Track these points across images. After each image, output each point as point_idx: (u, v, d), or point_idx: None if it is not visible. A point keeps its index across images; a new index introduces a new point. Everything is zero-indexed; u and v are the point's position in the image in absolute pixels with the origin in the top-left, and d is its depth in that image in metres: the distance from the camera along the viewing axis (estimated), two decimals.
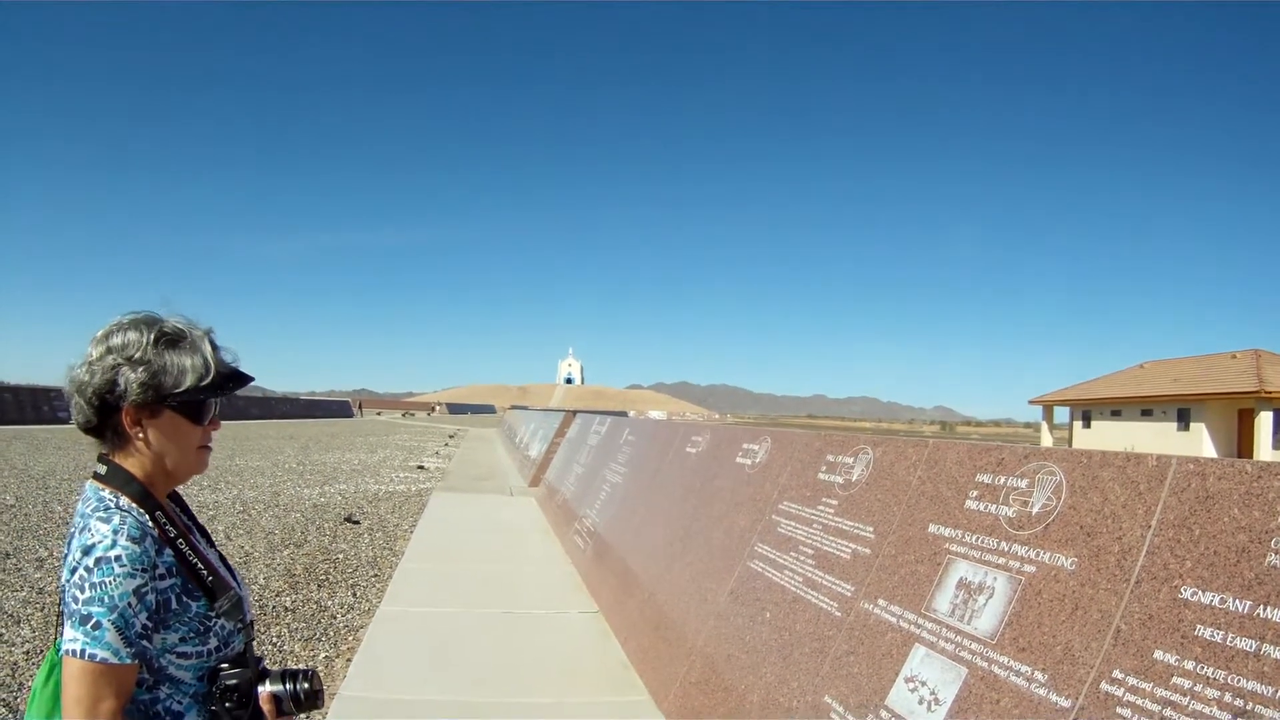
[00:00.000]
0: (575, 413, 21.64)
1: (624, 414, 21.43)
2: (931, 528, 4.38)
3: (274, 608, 9.46)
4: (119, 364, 2.47)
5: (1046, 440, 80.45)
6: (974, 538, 4.03)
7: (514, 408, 69.89)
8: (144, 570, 2.31)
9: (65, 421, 36.02)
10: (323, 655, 7.92)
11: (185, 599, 2.44)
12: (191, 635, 2.45)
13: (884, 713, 3.93)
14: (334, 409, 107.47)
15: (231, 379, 2.70)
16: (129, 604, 2.25)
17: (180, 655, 2.44)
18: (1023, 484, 3.92)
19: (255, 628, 3.06)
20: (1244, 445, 59.65)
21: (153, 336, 2.53)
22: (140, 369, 2.47)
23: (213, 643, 2.51)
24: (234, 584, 2.70)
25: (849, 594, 4.74)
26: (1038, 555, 3.59)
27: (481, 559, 12.16)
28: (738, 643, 5.59)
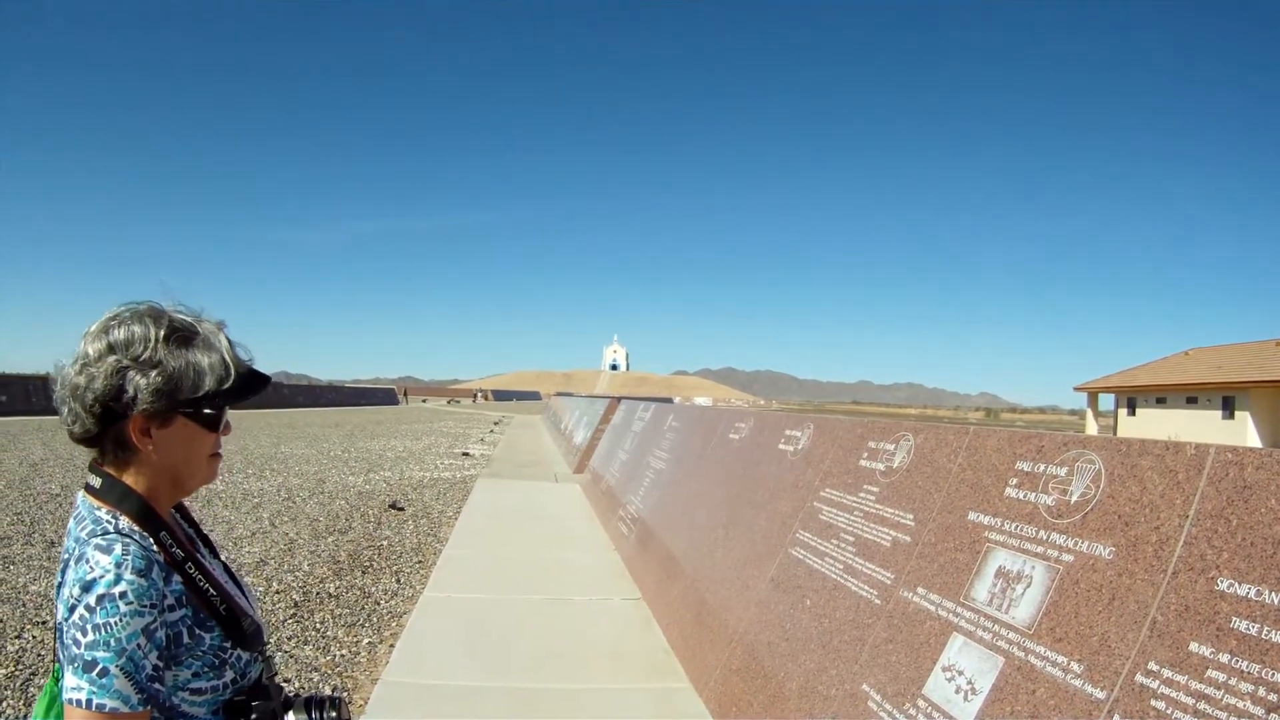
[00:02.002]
0: (620, 399, 21.62)
1: (669, 400, 21.35)
2: (971, 515, 4.36)
3: (318, 594, 9.55)
4: (125, 366, 2.16)
5: (1091, 427, 79.90)
6: (1013, 526, 4.01)
7: (559, 394, 69.96)
8: (152, 606, 2.05)
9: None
10: (366, 641, 7.99)
11: (198, 631, 2.20)
12: (205, 670, 2.21)
13: (921, 702, 3.93)
14: (379, 397, 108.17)
15: (252, 380, 2.42)
16: (138, 645, 1.99)
17: (193, 691, 2.20)
18: (1062, 472, 3.90)
19: (274, 658, 2.81)
20: None
21: (162, 333, 2.23)
22: (153, 372, 2.18)
23: (229, 675, 2.28)
24: (249, 608, 2.47)
25: (889, 582, 4.73)
26: (1076, 544, 3.57)
27: (525, 545, 12.19)
28: (778, 630, 5.60)
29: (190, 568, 2.23)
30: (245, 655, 2.34)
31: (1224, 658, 2.75)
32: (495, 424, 53.80)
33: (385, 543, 12.69)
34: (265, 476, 20.19)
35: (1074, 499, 3.74)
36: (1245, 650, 2.70)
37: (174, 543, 2.22)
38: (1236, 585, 2.84)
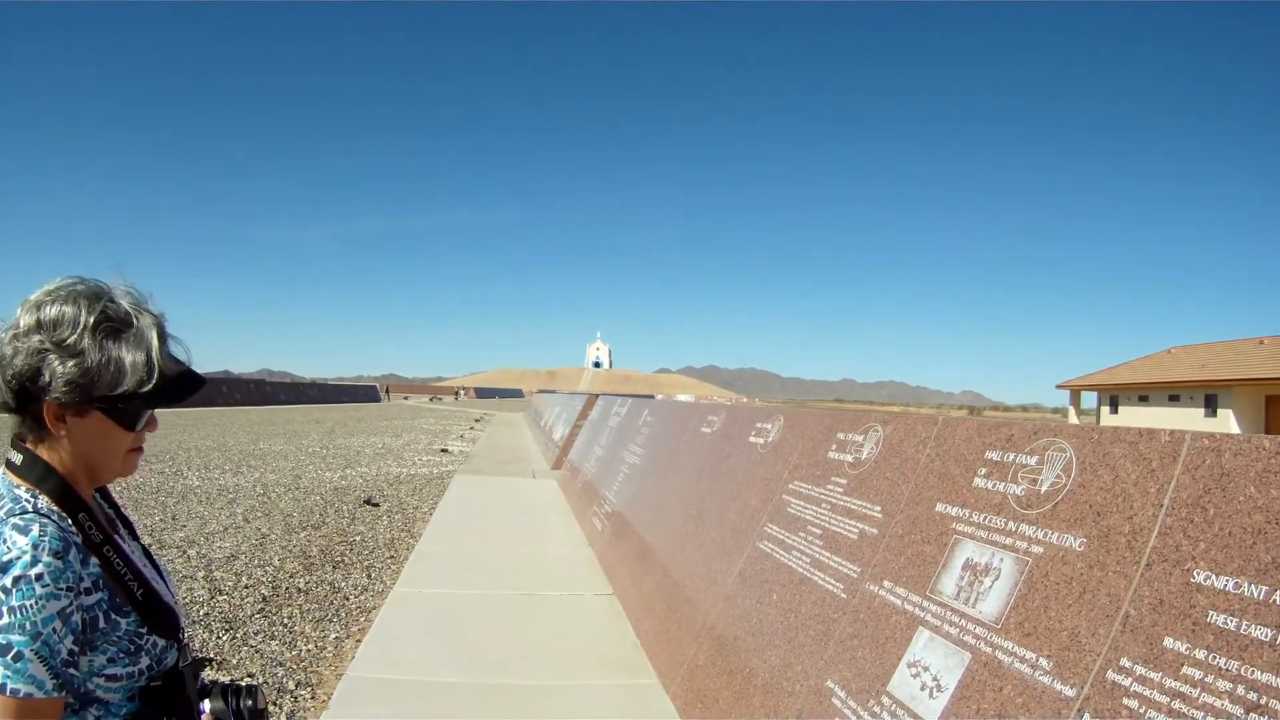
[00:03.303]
0: (598, 396, 21.57)
1: (651, 397, 21.49)
2: (939, 507, 4.22)
3: (287, 589, 9.42)
4: (46, 349, 2.09)
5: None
6: (981, 517, 3.88)
7: (541, 391, 70.06)
8: (68, 589, 1.99)
9: None
10: (333, 636, 7.87)
11: (114, 616, 2.13)
12: (121, 655, 2.14)
13: (885, 699, 3.80)
14: (361, 394, 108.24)
15: (178, 383, 2.27)
16: (53, 629, 1.93)
17: (109, 678, 2.12)
18: (1032, 461, 3.76)
19: (191, 641, 2.66)
20: (1272, 432, 59.33)
21: (92, 319, 2.13)
22: (70, 362, 2.09)
23: (144, 661, 2.20)
24: (167, 593, 2.40)
25: (855, 575, 4.60)
26: (1045, 535, 3.44)
27: (499, 541, 12.08)
28: (745, 625, 5.47)
29: (108, 551, 2.16)
30: (161, 642, 2.25)
31: (1200, 654, 2.62)
32: (476, 421, 53.71)
33: (358, 538, 12.56)
34: (242, 472, 20.05)
35: (1044, 489, 3.60)
36: (1223, 646, 2.57)
37: (93, 525, 2.16)
38: (1214, 577, 2.71)
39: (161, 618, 2.25)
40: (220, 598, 8.89)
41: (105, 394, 2.14)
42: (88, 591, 2.05)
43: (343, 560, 11.02)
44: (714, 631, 5.86)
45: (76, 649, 2.00)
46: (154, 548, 10.61)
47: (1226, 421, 61.99)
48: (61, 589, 1.95)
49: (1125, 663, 2.83)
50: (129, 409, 2.20)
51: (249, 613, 8.47)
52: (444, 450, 29.33)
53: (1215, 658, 2.57)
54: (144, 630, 2.19)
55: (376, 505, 15.77)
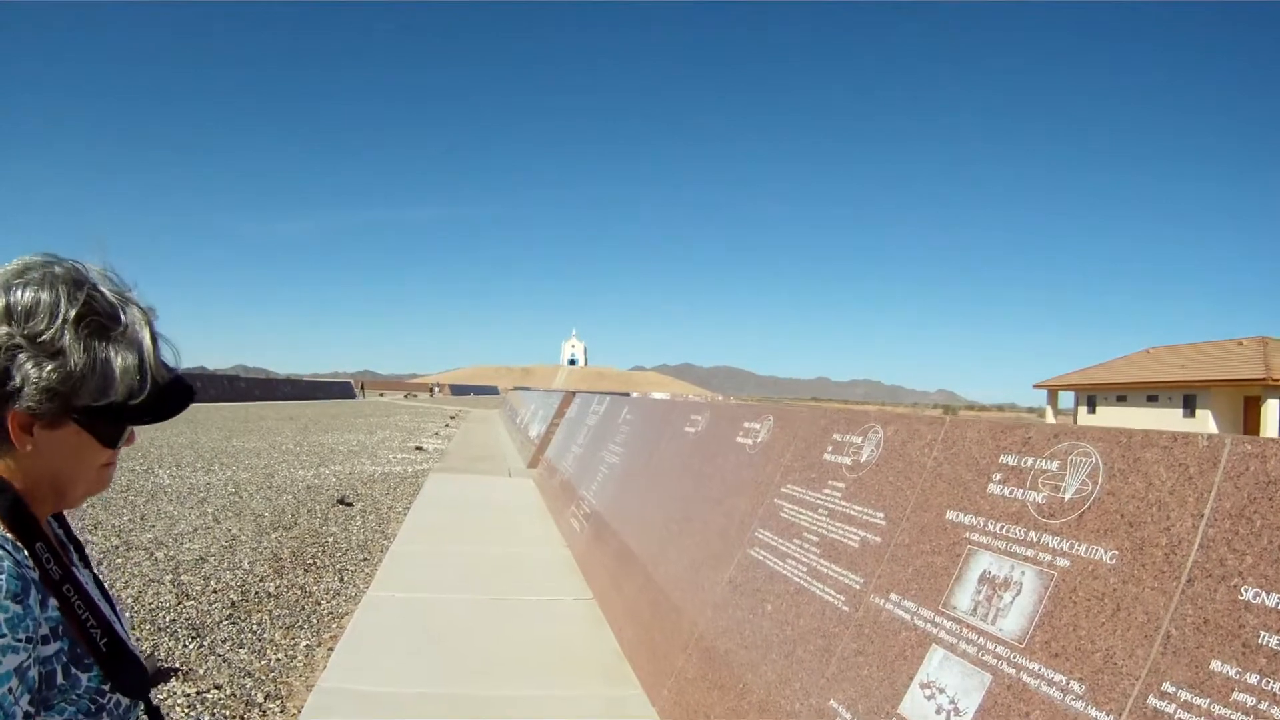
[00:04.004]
0: (574, 393, 21.38)
1: (626, 395, 21.52)
2: (949, 514, 3.92)
3: (257, 594, 9.14)
4: (17, 344, 1.65)
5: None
6: (998, 526, 3.58)
7: (516, 389, 70.00)
8: (27, 639, 1.55)
9: None
10: (303, 644, 7.61)
11: (74, 670, 1.72)
12: (80, 716, 1.72)
13: None
14: (336, 390, 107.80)
15: (172, 395, 1.91)
16: (9, 689, 1.49)
17: None
18: (1053, 466, 3.48)
19: (160, 711, 2.19)
20: (1250, 433, 59.69)
21: (75, 311, 1.71)
22: (48, 365, 1.66)
23: None
24: (126, 634, 1.94)
25: (858, 587, 4.29)
26: (1072, 547, 3.17)
27: (474, 542, 11.83)
28: (737, 636, 5.15)
29: (69, 590, 1.74)
30: (125, 701, 1.84)
31: (1252, 678, 2.36)
32: (451, 418, 53.43)
33: (331, 539, 12.30)
34: (214, 471, 19.78)
35: (1068, 496, 3.33)
36: (1278, 670, 2.32)
37: (52, 558, 1.74)
38: (1264, 595, 2.45)
39: (127, 672, 1.81)
40: (188, 603, 8.60)
41: (87, 404, 1.74)
42: (45, 640, 1.64)
43: (315, 563, 10.76)
44: (703, 642, 5.55)
45: (32, 710, 1.58)
46: (121, 549, 10.36)
47: (1205, 422, 62.42)
48: (20, 640, 1.53)
49: (1168, 687, 2.57)
50: (112, 422, 1.82)
51: (217, 619, 8.19)
52: (419, 448, 29.11)
53: (1270, 683, 2.32)
54: (106, 688, 1.77)
55: (350, 505, 15.53)
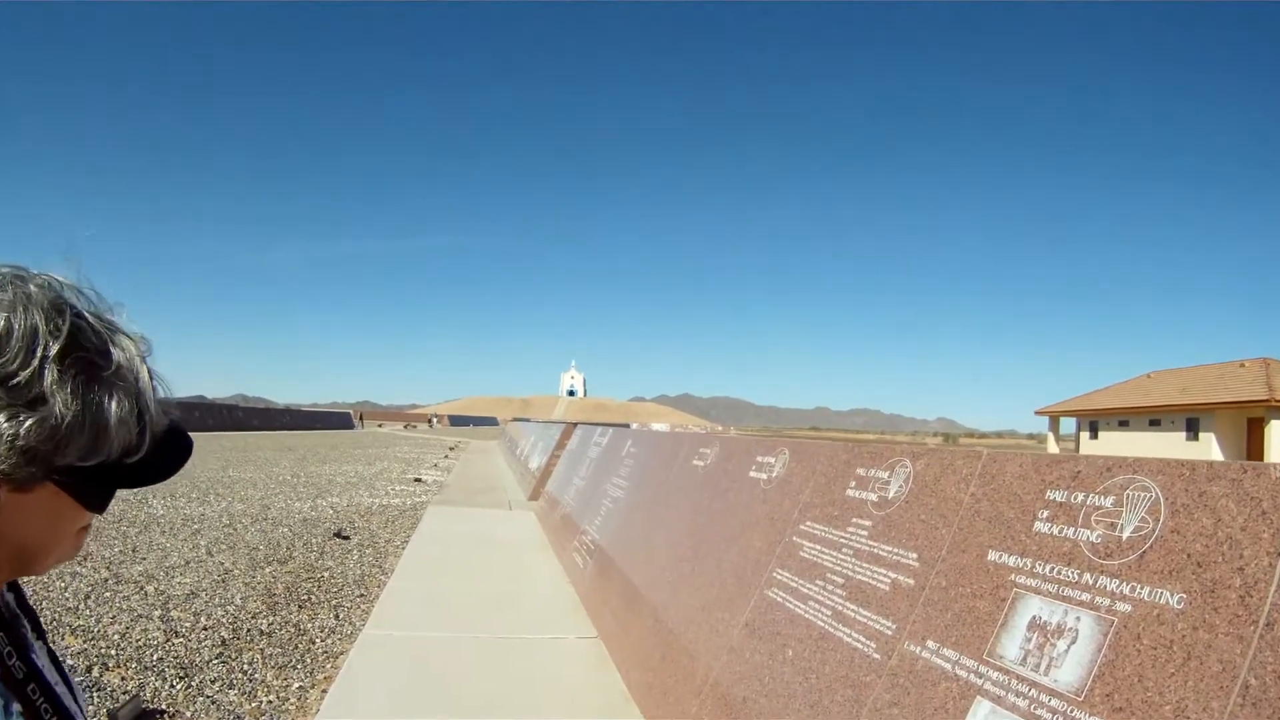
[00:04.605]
0: (575, 424, 21.14)
1: (627, 426, 21.44)
2: (992, 555, 3.62)
3: (249, 631, 8.79)
4: None
5: (1053, 452, 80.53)
6: (1048, 568, 3.29)
7: (516, 420, 69.93)
8: None
9: None
10: (296, 685, 7.27)
11: None
12: None
13: None
14: (335, 420, 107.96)
15: (169, 449, 1.51)
16: None
17: None
18: (1107, 502, 3.20)
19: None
20: (1254, 455, 59.81)
21: (58, 346, 1.28)
22: (28, 418, 1.24)
23: None
24: (81, 712, 1.55)
25: (890, 632, 3.97)
26: (1134, 590, 2.89)
27: (474, 577, 11.51)
28: (755, 684, 4.82)
29: (34, 691, 1.42)
30: None
31: None
32: (451, 449, 53.16)
33: (327, 574, 11.95)
34: (209, 501, 19.43)
35: (1126, 535, 3.04)
36: None
37: (14, 652, 1.43)
38: None
39: None
40: (176, 641, 8.26)
41: (72, 463, 1.32)
42: None
43: (309, 599, 10.41)
44: (718, 688, 5.20)
45: None
46: (110, 582, 10.06)
47: (1209, 445, 62.42)
48: None
49: None
50: (101, 484, 1.42)
51: (207, 658, 7.85)
52: (418, 479, 28.71)
53: None
54: None
55: (347, 538, 15.19)
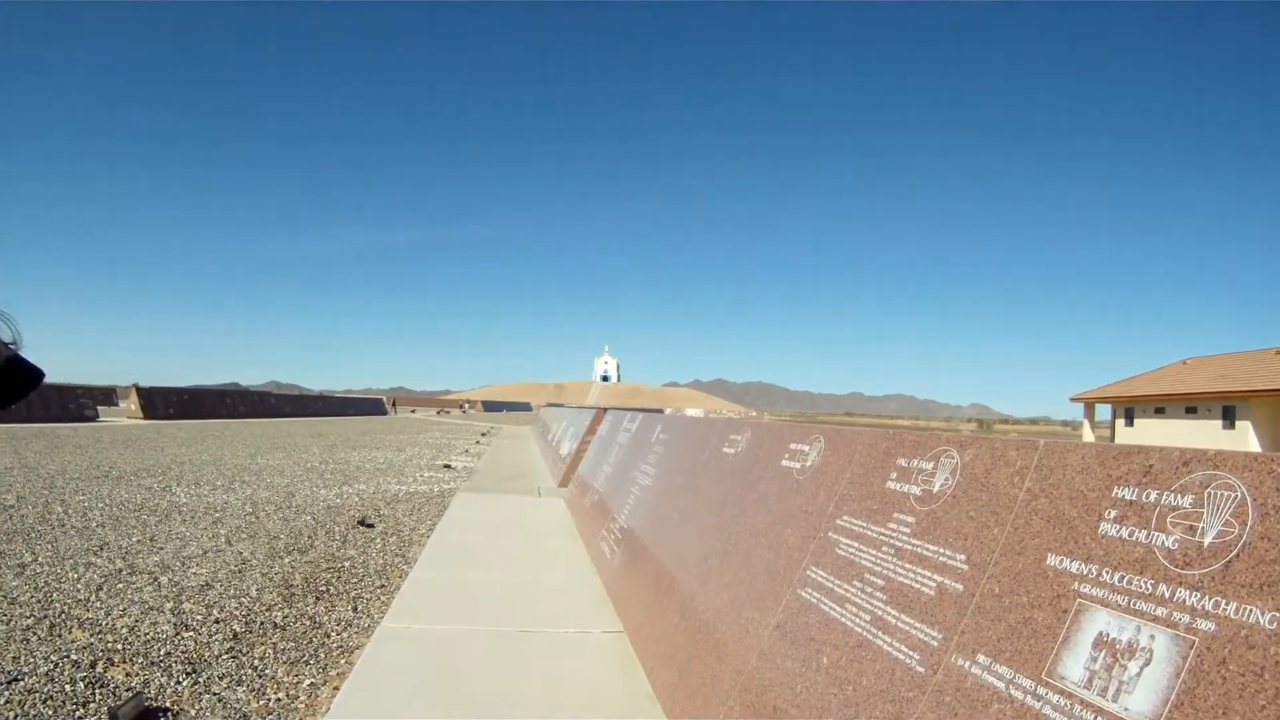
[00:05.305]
0: (606, 410, 20.87)
1: (660, 411, 21.22)
2: (1051, 559, 3.18)
3: (262, 624, 8.51)
4: None
5: (1088, 439, 79.81)
6: (1116, 577, 2.87)
7: (549, 405, 69.95)
8: None
9: (91, 419, 36.00)
10: (307, 681, 6.97)
11: None
12: None
13: None
14: (367, 407, 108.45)
15: (13, 375, 1.65)
16: None
17: None
18: (1185, 502, 2.79)
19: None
20: None
21: None
22: None
23: None
24: None
25: (935, 643, 3.54)
26: (1218, 606, 2.49)
27: (499, 567, 11.22)
28: (787, 692, 4.41)
29: None
30: None
31: None
32: (482, 435, 53.10)
33: (347, 564, 11.69)
34: (233, 489, 19.26)
35: (1208, 540, 2.65)
36: None
37: None
38: None
39: None
40: (186, 634, 7.99)
41: None
42: None
43: (328, 590, 10.13)
44: (747, 694, 4.82)
45: None
46: (124, 574, 9.86)
47: (1245, 434, 61.90)
48: None
49: None
50: None
51: (216, 652, 7.56)
52: (447, 466, 28.53)
53: None
54: None
55: (371, 526, 14.93)
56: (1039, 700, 2.88)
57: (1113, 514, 3.03)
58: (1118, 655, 2.70)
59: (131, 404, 58.15)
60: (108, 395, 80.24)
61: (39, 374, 1.74)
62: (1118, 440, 75.16)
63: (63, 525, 13.56)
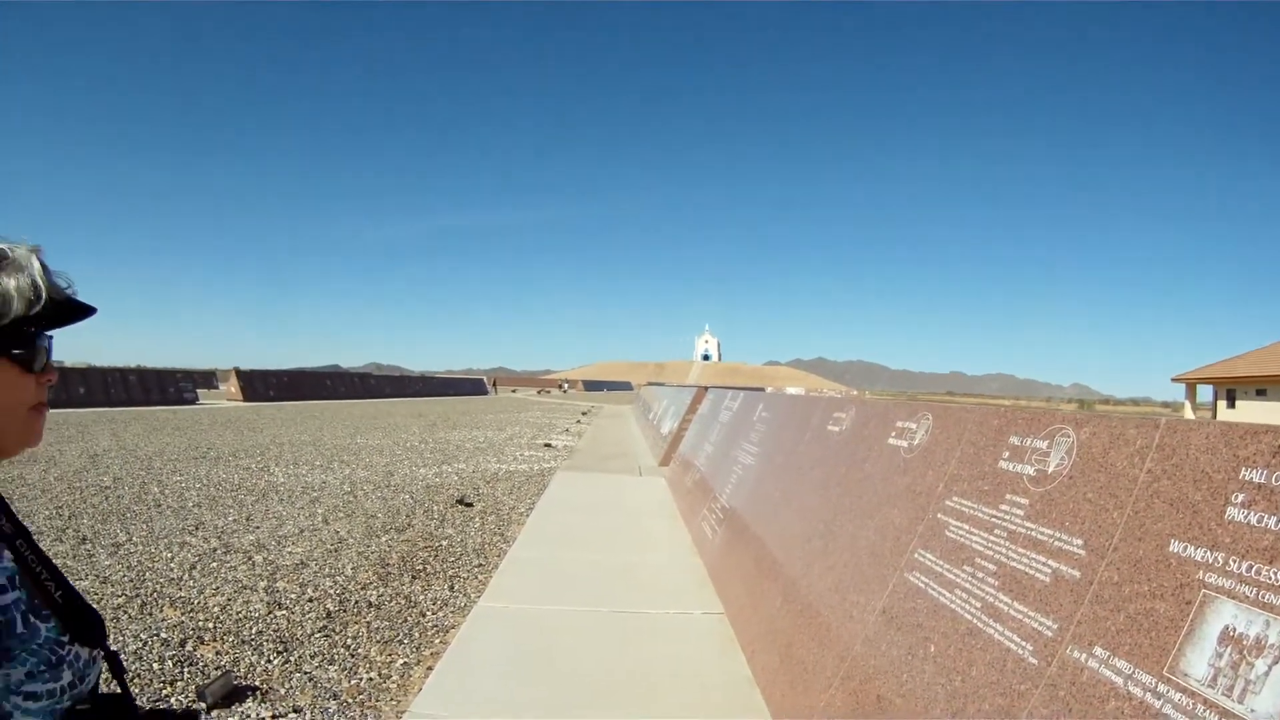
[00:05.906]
0: (707, 388, 20.77)
1: (760, 390, 21.22)
2: (1174, 546, 2.99)
3: (356, 603, 8.58)
4: None
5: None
6: (1244, 566, 2.68)
7: (650, 384, 70.05)
8: None
9: (191, 402, 36.75)
10: (400, 661, 6.99)
11: (33, 619, 1.74)
12: (42, 668, 1.71)
13: None
14: (468, 387, 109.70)
15: (69, 309, 1.90)
16: None
17: (28, 695, 1.68)
18: None
19: (120, 658, 2.08)
20: None
21: None
22: None
23: (66, 677, 1.77)
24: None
25: (1050, 633, 3.37)
26: None
27: (599, 547, 11.20)
28: (893, 681, 4.27)
29: (22, 544, 1.83)
30: (85, 654, 1.86)
31: None
32: (583, 414, 53.42)
33: (445, 543, 11.76)
34: (332, 469, 19.58)
35: None
36: None
37: (2, 514, 1.83)
38: None
39: (85, 622, 1.86)
40: (279, 613, 8.09)
41: None
42: (2, 590, 1.69)
43: (424, 569, 10.19)
44: (850, 682, 4.67)
45: None
46: (219, 553, 10.00)
47: None
48: None
49: None
50: (22, 340, 1.82)
51: (309, 631, 7.63)
52: (547, 445, 28.68)
53: None
54: (65, 639, 1.80)
55: (470, 505, 15.00)
56: (1159, 698, 2.71)
57: (1240, 498, 2.83)
58: (1244, 652, 2.52)
59: (232, 387, 59.39)
60: (208, 379, 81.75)
61: (91, 309, 1.96)
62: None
63: (159, 505, 13.82)
